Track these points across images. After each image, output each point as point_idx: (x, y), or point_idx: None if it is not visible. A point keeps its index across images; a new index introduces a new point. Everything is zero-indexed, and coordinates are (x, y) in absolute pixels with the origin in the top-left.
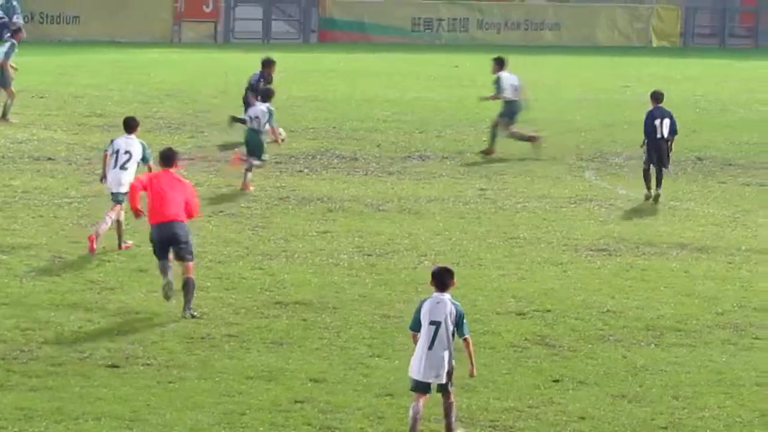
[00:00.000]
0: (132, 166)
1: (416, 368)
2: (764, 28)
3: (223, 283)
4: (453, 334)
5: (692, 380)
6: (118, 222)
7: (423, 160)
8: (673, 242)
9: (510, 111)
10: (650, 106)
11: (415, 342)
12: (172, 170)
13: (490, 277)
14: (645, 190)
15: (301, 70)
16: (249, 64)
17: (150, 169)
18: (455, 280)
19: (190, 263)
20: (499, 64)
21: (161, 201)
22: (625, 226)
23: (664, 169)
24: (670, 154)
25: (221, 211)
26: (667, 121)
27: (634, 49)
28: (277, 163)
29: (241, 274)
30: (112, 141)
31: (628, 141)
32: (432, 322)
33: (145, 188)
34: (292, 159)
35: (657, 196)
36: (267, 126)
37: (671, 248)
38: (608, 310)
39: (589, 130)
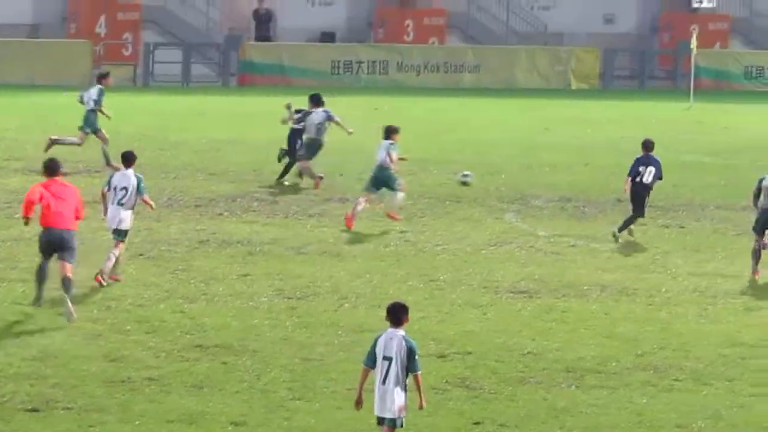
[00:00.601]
0: (129, 202)
1: (375, 403)
2: (683, 70)
3: (144, 327)
4: (406, 370)
5: (612, 422)
6: (112, 254)
7: (343, 202)
8: (593, 284)
9: (310, 148)
10: (640, 154)
11: (363, 377)
12: (58, 178)
13: (411, 320)
14: (621, 232)
15: (221, 113)
16: (168, 107)
17: (145, 202)
18: (409, 316)
19: (69, 265)
20: (313, 101)
21: (53, 208)
22: (546, 268)
23: (638, 215)
24: (647, 201)
25: (141, 255)
26: (651, 169)
27: (554, 91)
28: (197, 206)
29: (161, 318)
30: (110, 178)
31: (549, 183)
32: (385, 358)
33: (40, 200)
34: (213, 202)
35: (614, 234)
36: (388, 160)
37: (591, 290)
38: (529, 352)
39: (510, 173)
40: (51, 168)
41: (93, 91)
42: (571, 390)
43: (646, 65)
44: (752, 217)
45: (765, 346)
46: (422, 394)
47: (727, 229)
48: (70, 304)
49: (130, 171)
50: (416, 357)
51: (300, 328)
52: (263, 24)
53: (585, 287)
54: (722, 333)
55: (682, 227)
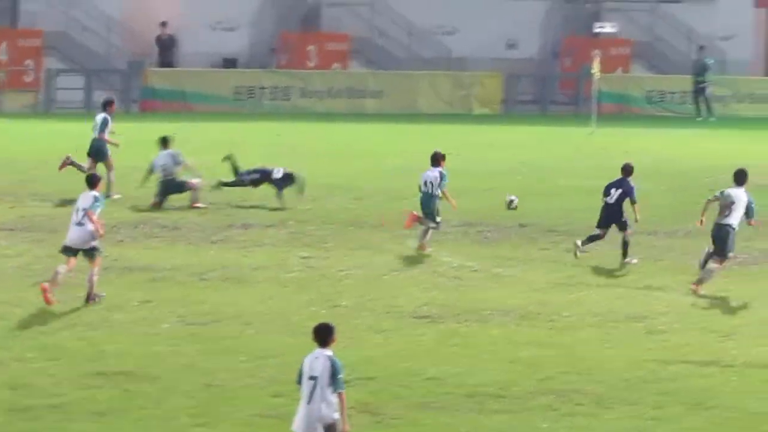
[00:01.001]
0: (88, 221)
1: (297, 422)
2: (585, 94)
3: (45, 354)
4: (329, 388)
5: None
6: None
7: (246, 228)
8: (495, 309)
9: (163, 189)
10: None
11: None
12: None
13: (313, 345)
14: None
15: (123, 140)
16: (70, 133)
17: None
18: (336, 336)
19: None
20: (161, 143)
21: None
22: (448, 293)
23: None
24: (623, 219)
25: (43, 281)
26: (619, 191)
27: (457, 116)
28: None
29: (63, 345)
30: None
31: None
32: (311, 377)
33: None
34: (114, 229)
35: (623, 264)
36: (439, 190)
37: (494, 315)
38: (432, 378)
39: (412, 198)
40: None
41: (98, 119)
42: (473, 415)
43: (549, 90)
44: (659, 241)
45: (666, 369)
46: (344, 416)
47: (630, 253)
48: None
49: (92, 192)
50: (340, 376)
51: (202, 354)
52: (166, 50)
53: (487, 312)
54: (624, 357)
55: (586, 252)
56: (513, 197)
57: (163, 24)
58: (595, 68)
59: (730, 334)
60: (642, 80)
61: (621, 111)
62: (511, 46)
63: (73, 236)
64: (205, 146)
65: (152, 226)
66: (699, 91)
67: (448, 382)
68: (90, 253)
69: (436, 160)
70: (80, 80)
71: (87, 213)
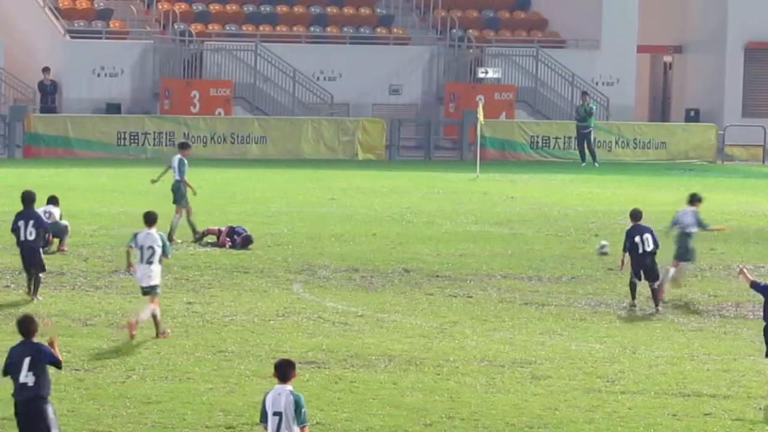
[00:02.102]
0: (157, 259)
1: None
2: (469, 139)
3: None
4: (294, 423)
5: None
6: (154, 315)
7: (130, 274)
8: (380, 354)
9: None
10: (629, 225)
11: None
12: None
13: (198, 391)
14: (630, 299)
15: (6, 186)
16: None
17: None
18: (296, 371)
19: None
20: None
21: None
22: (334, 338)
23: (654, 282)
24: (656, 267)
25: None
26: (648, 236)
27: (341, 161)
28: None
29: None
30: (134, 235)
31: (336, 254)
32: (275, 413)
33: None
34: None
35: (657, 311)
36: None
37: (379, 360)
38: (318, 423)
39: (296, 243)
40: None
41: (176, 162)
42: None
43: (432, 135)
44: (544, 286)
45: (552, 415)
46: None
47: (514, 298)
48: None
49: (154, 230)
50: (303, 410)
51: (87, 399)
52: (48, 95)
53: (373, 357)
54: (510, 402)
55: (470, 297)
56: (605, 242)
57: (45, 70)
58: (479, 114)
59: (615, 380)
60: (525, 125)
61: (505, 156)
62: (394, 91)
63: (141, 274)
64: (91, 192)
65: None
66: (582, 136)
67: (334, 427)
68: (153, 289)
69: (693, 200)
70: None
71: (166, 258)
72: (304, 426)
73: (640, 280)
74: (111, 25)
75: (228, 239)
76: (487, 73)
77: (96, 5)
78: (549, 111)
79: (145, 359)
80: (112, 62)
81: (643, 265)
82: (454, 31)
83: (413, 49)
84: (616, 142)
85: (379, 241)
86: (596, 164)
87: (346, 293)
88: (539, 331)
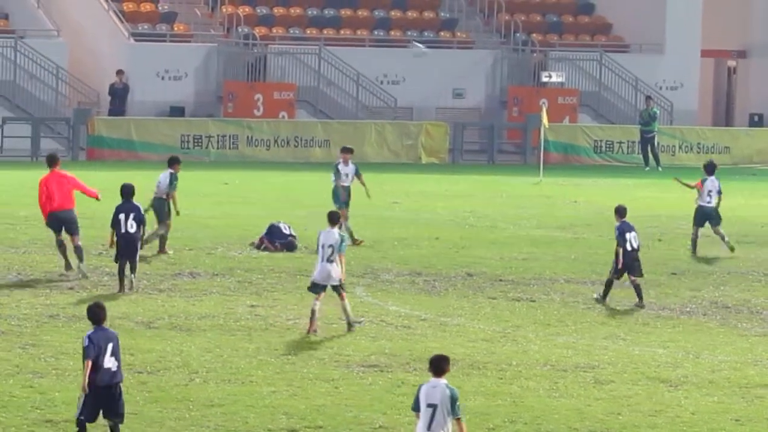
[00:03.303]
0: (336, 258)
1: None
2: (532, 144)
3: None
4: (449, 415)
5: None
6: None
7: (193, 277)
8: None
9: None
10: (616, 222)
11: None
12: (57, 168)
13: (261, 394)
14: (601, 296)
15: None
16: (17, 181)
17: (341, 262)
18: (450, 366)
19: (77, 236)
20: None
21: (52, 195)
22: (396, 342)
23: (638, 278)
24: (640, 264)
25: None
26: (634, 234)
27: (404, 165)
28: (47, 281)
29: (10, 393)
30: (318, 235)
31: (398, 257)
32: (429, 405)
33: (42, 195)
34: (62, 277)
35: (641, 307)
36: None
37: None
38: (380, 426)
39: (360, 247)
40: (52, 160)
41: (167, 177)
42: None
43: (495, 139)
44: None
45: (613, 420)
46: None
47: (577, 302)
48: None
49: (335, 229)
50: (458, 403)
51: (150, 402)
52: (119, 98)
53: None
54: (572, 407)
55: (533, 301)
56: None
57: (119, 72)
58: (543, 118)
59: (678, 385)
60: (589, 130)
61: (568, 161)
62: (457, 95)
63: (322, 272)
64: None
65: (100, 275)
66: (646, 140)
67: (396, 431)
68: (337, 288)
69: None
70: (27, 128)
71: (339, 256)
72: (459, 419)
73: (618, 279)
74: (175, 29)
75: (269, 242)
76: (550, 77)
77: (160, 8)
78: (612, 115)
79: (208, 362)
80: (176, 65)
81: (630, 262)
82: (518, 35)
83: (477, 53)
84: (680, 147)
85: (442, 245)
86: (659, 169)
87: (408, 297)
88: (602, 335)
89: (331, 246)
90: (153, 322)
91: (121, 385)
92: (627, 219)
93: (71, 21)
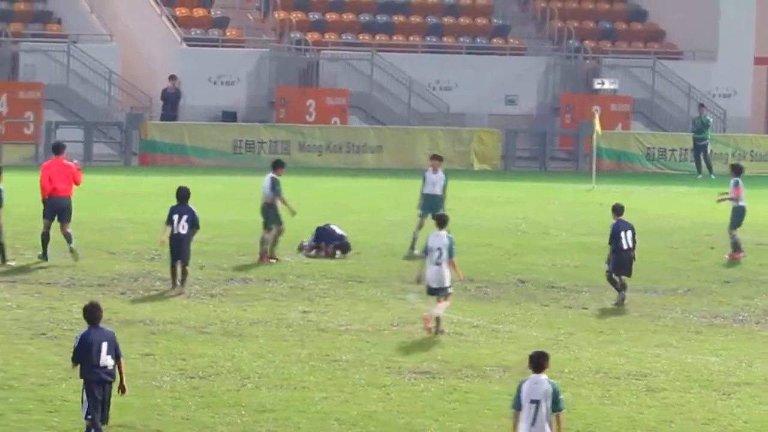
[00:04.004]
0: (445, 261)
1: None
2: (584, 151)
3: (46, 406)
4: (550, 410)
5: None
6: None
7: (245, 282)
8: (495, 365)
9: None
10: (613, 220)
11: (515, 420)
12: (62, 157)
13: (312, 400)
14: (617, 293)
15: (121, 193)
16: None
17: (455, 267)
18: (548, 362)
19: (68, 224)
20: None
21: (53, 179)
22: (448, 348)
23: (626, 277)
24: (631, 265)
25: (43, 334)
26: (629, 233)
27: (456, 172)
28: (99, 285)
29: (63, 397)
30: (427, 237)
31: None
32: (532, 401)
33: (44, 177)
34: (114, 281)
35: (622, 299)
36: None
37: (494, 371)
38: None
39: (412, 253)
40: (57, 148)
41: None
42: None
43: (548, 146)
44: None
45: (666, 427)
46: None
47: (629, 310)
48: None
49: (444, 232)
50: (561, 398)
51: (202, 407)
52: (172, 103)
53: (487, 368)
54: (624, 415)
55: (585, 308)
56: None
57: (171, 77)
58: (596, 125)
59: (731, 393)
60: (642, 137)
61: (620, 168)
62: (510, 101)
63: (432, 275)
64: (206, 200)
65: (152, 279)
66: (699, 148)
67: None
68: (442, 291)
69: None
70: (80, 133)
71: (451, 260)
72: (559, 413)
73: (617, 275)
74: (227, 34)
75: (323, 246)
76: (603, 84)
77: (213, 13)
78: (665, 123)
79: (260, 368)
80: (228, 70)
81: (623, 261)
82: (571, 41)
83: (529, 59)
84: (733, 155)
85: (494, 252)
86: (712, 176)
87: (460, 303)
88: (654, 343)
89: (439, 249)
90: (205, 328)
91: (111, 385)
92: (625, 218)
93: (124, 26)
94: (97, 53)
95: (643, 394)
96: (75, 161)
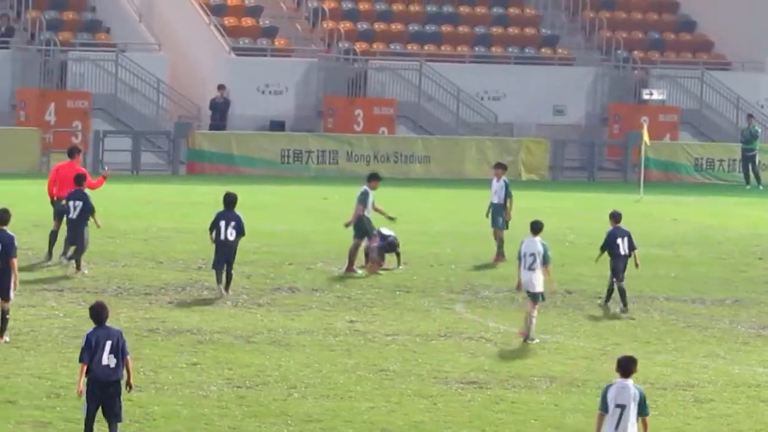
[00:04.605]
0: (538, 267)
1: None
2: (632, 161)
3: None
4: (636, 415)
5: None
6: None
7: (292, 292)
8: (542, 375)
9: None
10: (609, 227)
11: (599, 422)
12: (76, 161)
13: (359, 410)
14: (606, 300)
15: (169, 202)
16: (117, 195)
17: (549, 273)
18: (636, 367)
19: None
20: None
21: (61, 183)
22: (495, 359)
23: (619, 282)
24: (625, 270)
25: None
26: (626, 239)
27: None
28: (146, 294)
29: None
30: (520, 244)
31: (498, 274)
32: (618, 405)
33: (51, 180)
34: (162, 290)
35: (625, 310)
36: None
37: (541, 381)
38: None
39: (459, 263)
40: (71, 152)
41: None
42: None
43: (596, 156)
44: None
45: None
46: None
47: (677, 320)
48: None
49: (538, 238)
50: (646, 402)
51: (249, 417)
52: (220, 112)
53: (535, 378)
54: (672, 425)
55: (632, 319)
56: None
57: (220, 87)
58: (644, 135)
59: None
60: (690, 147)
61: (669, 178)
62: (558, 111)
63: (526, 280)
64: (254, 209)
65: (199, 289)
66: (747, 159)
67: None
68: (535, 296)
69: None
70: (127, 142)
71: (545, 267)
72: (645, 417)
73: (620, 281)
74: (276, 43)
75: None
76: (651, 94)
77: (261, 23)
78: (713, 133)
79: (307, 377)
80: (276, 80)
81: (619, 266)
82: (619, 52)
83: (577, 69)
84: None
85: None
86: (761, 187)
87: (508, 314)
88: (702, 354)
89: (532, 254)
90: (252, 337)
91: (121, 384)
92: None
93: (172, 35)
94: (145, 62)
95: (690, 405)
96: (107, 169)
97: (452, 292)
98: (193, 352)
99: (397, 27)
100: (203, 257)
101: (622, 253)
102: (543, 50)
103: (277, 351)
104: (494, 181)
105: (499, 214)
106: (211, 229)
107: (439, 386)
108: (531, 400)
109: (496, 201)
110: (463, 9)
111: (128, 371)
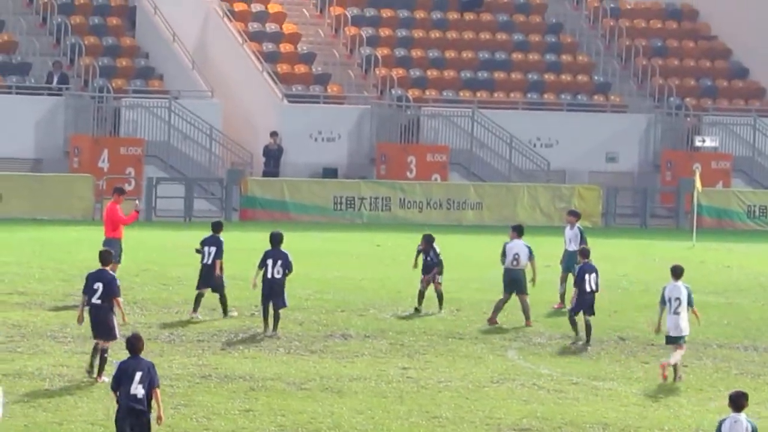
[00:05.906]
0: (684, 310)
1: None
2: (685, 208)
3: None
4: None
5: None
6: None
7: (345, 338)
8: (595, 422)
9: None
10: (579, 263)
11: None
12: (114, 200)
13: None
14: (575, 334)
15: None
16: (170, 242)
17: (696, 315)
18: (748, 402)
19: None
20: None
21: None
22: (548, 405)
23: (590, 317)
24: (593, 304)
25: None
26: (594, 275)
27: (557, 228)
28: (199, 341)
29: None
30: (664, 288)
31: (551, 321)
32: None
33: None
34: (215, 337)
35: (587, 345)
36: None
37: (594, 428)
38: None
39: (511, 310)
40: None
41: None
42: None
43: (648, 203)
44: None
45: None
46: None
47: (729, 368)
48: None
49: (680, 282)
50: None
51: None
52: (274, 159)
53: (587, 425)
54: None
55: (685, 365)
56: None
57: (273, 134)
58: (697, 182)
59: None
60: (742, 194)
61: (721, 225)
62: (610, 158)
63: (671, 324)
64: (306, 256)
65: (252, 335)
66: None
67: None
68: (680, 339)
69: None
70: (180, 189)
71: (692, 310)
72: None
73: (577, 315)
74: (329, 90)
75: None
76: (704, 141)
77: (314, 70)
78: (766, 180)
79: (360, 424)
80: (329, 127)
81: (586, 301)
82: (672, 99)
83: (630, 116)
84: None
85: (595, 308)
86: None
87: (560, 360)
88: (755, 401)
89: (678, 299)
90: (304, 384)
91: (147, 415)
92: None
93: (225, 82)
94: (198, 109)
95: None
96: (137, 201)
97: (505, 339)
98: (245, 398)
99: (449, 74)
100: (256, 304)
101: (588, 289)
102: (596, 97)
103: (329, 398)
104: (567, 228)
105: (573, 261)
106: (259, 267)
107: None
108: None
109: (571, 249)
110: (516, 56)
111: (158, 404)
